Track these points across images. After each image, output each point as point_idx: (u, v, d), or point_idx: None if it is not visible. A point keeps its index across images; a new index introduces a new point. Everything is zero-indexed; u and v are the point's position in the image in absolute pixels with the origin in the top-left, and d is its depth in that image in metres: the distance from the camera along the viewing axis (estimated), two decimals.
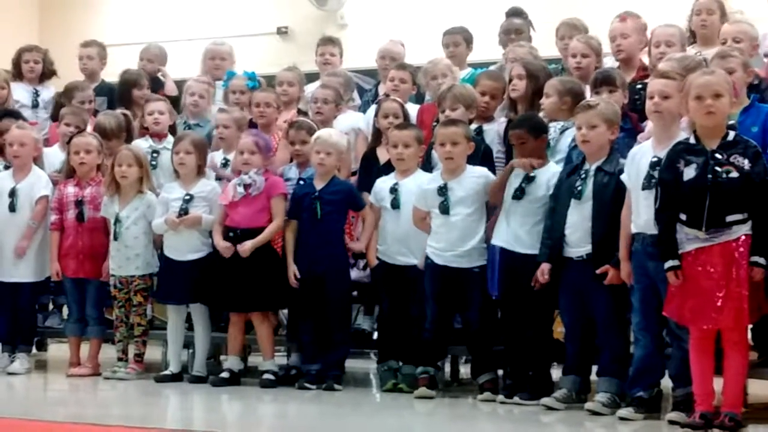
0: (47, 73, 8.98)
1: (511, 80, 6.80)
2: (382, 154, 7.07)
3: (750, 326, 5.45)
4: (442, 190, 6.40)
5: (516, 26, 8.01)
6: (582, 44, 7.02)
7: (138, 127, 8.01)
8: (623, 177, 5.70)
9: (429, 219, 6.49)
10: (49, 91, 8.92)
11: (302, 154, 7.10)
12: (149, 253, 7.26)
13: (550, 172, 6.17)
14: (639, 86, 6.61)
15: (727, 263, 5.14)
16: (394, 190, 6.69)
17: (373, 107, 7.67)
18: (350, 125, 7.56)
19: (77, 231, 7.43)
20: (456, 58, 7.87)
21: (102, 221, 7.38)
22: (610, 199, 5.76)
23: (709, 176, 5.15)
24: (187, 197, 7.06)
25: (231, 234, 6.89)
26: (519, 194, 6.18)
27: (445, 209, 6.38)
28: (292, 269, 6.76)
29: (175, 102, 8.21)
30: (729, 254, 5.15)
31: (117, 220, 7.18)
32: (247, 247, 6.78)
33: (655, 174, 5.42)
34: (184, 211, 7.04)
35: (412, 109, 7.47)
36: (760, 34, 6.95)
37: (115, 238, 7.18)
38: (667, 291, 5.34)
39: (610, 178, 5.80)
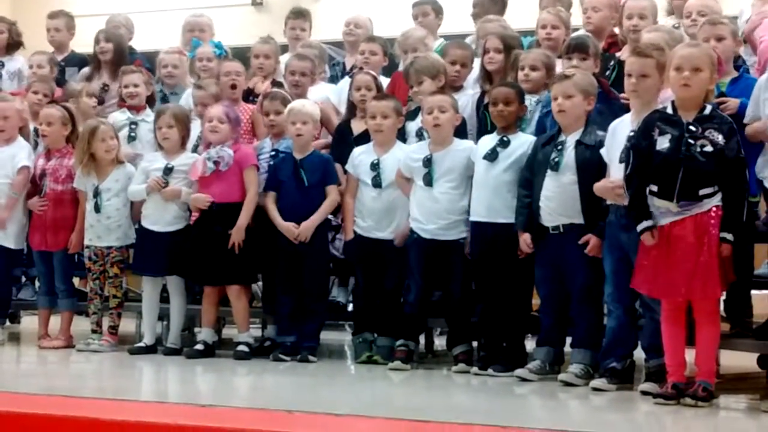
0: (13, 44, 8.91)
1: (486, 52, 6.80)
2: (356, 126, 7.05)
3: (723, 298, 5.51)
4: (427, 162, 6.40)
5: None
6: (552, 16, 7.03)
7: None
8: (602, 151, 5.70)
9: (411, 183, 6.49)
10: (16, 62, 8.87)
11: (276, 124, 7.08)
12: (127, 225, 7.23)
13: (522, 139, 6.19)
14: (611, 61, 6.64)
15: (699, 235, 5.16)
16: (375, 166, 6.67)
17: (346, 79, 7.65)
18: (322, 96, 7.54)
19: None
20: (425, 29, 7.86)
21: (68, 193, 7.34)
22: (596, 172, 5.73)
23: (683, 149, 5.16)
24: (167, 169, 7.03)
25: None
26: (491, 156, 6.18)
27: (429, 182, 6.38)
28: (289, 226, 6.70)
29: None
30: (701, 226, 5.17)
31: (97, 193, 7.15)
32: (239, 235, 6.75)
33: None
34: (164, 182, 7.01)
35: (384, 82, 7.45)
36: (739, 10, 6.98)
37: (98, 210, 7.14)
38: (635, 264, 5.37)
39: (591, 150, 5.80)
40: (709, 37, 5.90)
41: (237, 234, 6.77)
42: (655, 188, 5.24)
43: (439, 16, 8.19)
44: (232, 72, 7.48)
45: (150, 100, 7.83)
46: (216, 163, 6.84)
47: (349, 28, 8.30)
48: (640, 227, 5.29)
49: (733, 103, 5.75)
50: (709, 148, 5.17)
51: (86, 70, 8.55)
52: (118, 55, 8.34)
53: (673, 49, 5.44)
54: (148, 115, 7.60)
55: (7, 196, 7.47)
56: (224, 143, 6.89)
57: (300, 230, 6.68)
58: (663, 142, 5.22)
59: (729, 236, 5.18)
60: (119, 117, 7.74)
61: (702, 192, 5.17)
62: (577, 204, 5.82)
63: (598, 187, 5.65)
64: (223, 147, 6.88)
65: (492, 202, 6.16)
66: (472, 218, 6.26)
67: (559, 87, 5.91)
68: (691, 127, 5.21)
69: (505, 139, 6.20)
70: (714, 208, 5.18)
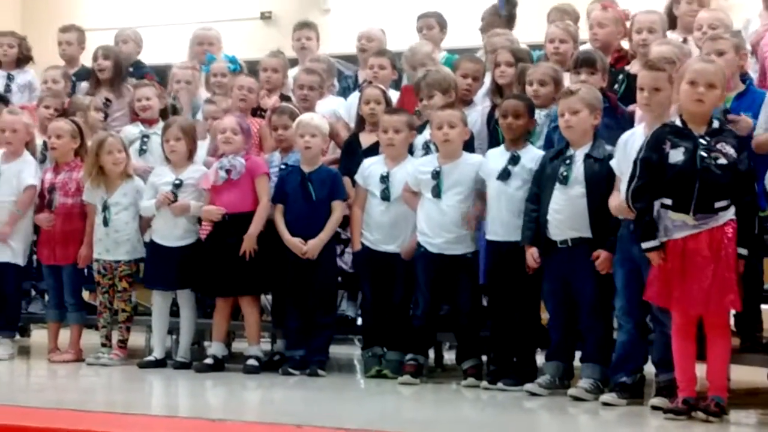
0: (23, 59, 8.94)
1: (498, 66, 6.81)
2: (365, 139, 7.05)
3: (732, 312, 5.49)
4: (436, 174, 6.39)
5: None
6: (560, 30, 7.05)
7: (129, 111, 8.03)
8: (612, 163, 5.70)
9: (418, 198, 6.48)
10: (26, 75, 8.89)
11: (285, 139, 7.09)
12: (136, 239, 7.24)
13: (532, 154, 6.19)
14: (619, 75, 6.64)
15: (715, 249, 5.15)
16: (384, 178, 6.67)
17: (356, 94, 7.66)
18: (330, 110, 7.55)
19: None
20: (430, 42, 7.87)
21: (78, 207, 7.35)
22: (605, 185, 5.74)
23: (699, 162, 5.15)
24: (177, 183, 7.05)
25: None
26: (504, 176, 6.18)
27: (437, 193, 6.37)
28: (297, 242, 6.70)
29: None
30: (717, 240, 5.16)
31: (105, 207, 7.16)
32: (250, 243, 6.76)
33: None
34: (173, 197, 7.03)
35: (393, 95, 7.47)
36: (745, 20, 6.97)
37: (106, 224, 7.15)
38: (649, 277, 5.35)
39: (600, 164, 5.80)
40: (710, 52, 5.89)
41: (248, 242, 6.78)
42: (669, 201, 5.23)
43: (443, 29, 8.22)
44: (245, 87, 7.50)
45: (163, 114, 7.83)
46: (228, 171, 6.86)
47: (361, 43, 8.30)
48: (645, 246, 5.27)
49: (745, 122, 5.71)
50: (723, 161, 5.17)
51: (85, 85, 8.56)
52: (116, 72, 8.32)
53: (686, 62, 5.43)
54: (161, 127, 7.60)
55: (10, 212, 7.46)
56: (237, 153, 6.91)
57: (307, 248, 6.68)
58: (677, 155, 5.19)
59: (744, 251, 5.19)
60: (132, 130, 7.76)
61: (717, 205, 5.17)
62: (586, 218, 5.82)
63: (615, 206, 5.64)
64: (235, 156, 6.89)
65: (508, 220, 6.15)
66: (489, 237, 6.25)
67: (565, 103, 5.91)
68: (703, 141, 5.21)
69: (515, 155, 6.19)
70: (730, 222, 5.18)
